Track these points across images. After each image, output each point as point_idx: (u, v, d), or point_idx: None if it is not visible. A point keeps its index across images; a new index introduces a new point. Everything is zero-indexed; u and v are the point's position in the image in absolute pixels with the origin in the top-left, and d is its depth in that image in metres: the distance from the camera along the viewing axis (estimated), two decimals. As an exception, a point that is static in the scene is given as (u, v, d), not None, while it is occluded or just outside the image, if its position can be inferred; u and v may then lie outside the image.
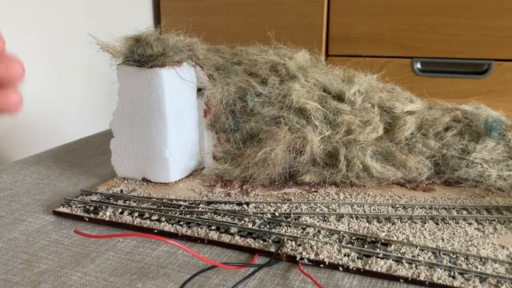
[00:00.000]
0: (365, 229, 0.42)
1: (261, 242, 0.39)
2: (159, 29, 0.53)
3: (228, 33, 1.17)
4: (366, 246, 0.38)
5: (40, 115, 0.96)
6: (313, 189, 0.50)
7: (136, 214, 0.45)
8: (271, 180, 0.51)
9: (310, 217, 0.44)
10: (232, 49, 0.61)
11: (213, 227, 0.42)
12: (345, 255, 0.37)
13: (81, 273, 0.36)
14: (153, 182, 0.52)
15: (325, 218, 0.44)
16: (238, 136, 0.54)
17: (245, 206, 0.46)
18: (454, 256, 0.37)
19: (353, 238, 0.40)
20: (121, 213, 0.45)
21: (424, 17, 1.03)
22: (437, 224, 0.43)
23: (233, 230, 0.41)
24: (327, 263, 0.36)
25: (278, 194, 0.49)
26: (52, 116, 0.99)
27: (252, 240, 0.40)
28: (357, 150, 0.51)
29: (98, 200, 0.48)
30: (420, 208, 0.46)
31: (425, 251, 0.38)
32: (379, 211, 0.45)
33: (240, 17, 1.18)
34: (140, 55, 0.49)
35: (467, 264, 0.36)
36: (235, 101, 0.54)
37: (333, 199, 0.48)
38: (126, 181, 0.53)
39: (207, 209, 0.45)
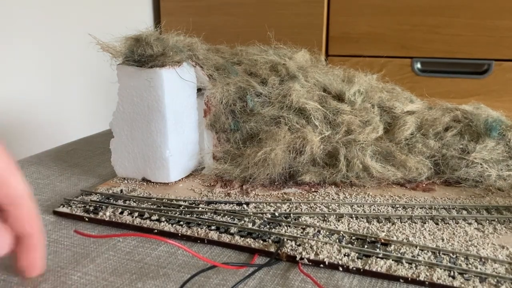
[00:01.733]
0: (365, 229, 0.42)
1: (261, 242, 0.39)
2: (159, 29, 0.53)
3: (228, 33, 1.17)
4: (366, 246, 0.38)
5: (40, 115, 0.97)
6: (313, 189, 0.50)
7: (136, 214, 0.45)
8: (271, 180, 0.51)
9: (310, 217, 0.44)
10: (232, 49, 0.61)
11: (213, 227, 0.42)
12: (345, 255, 0.37)
13: (81, 273, 0.36)
14: (153, 182, 0.52)
15: (325, 218, 0.44)
16: (238, 136, 0.54)
17: (245, 206, 0.46)
18: (454, 256, 0.37)
19: (353, 238, 0.40)
20: (121, 213, 0.45)
21: (424, 17, 1.03)
22: (437, 224, 0.43)
23: (233, 230, 0.41)
24: (327, 263, 0.36)
25: (278, 194, 0.49)
26: (52, 116, 1.00)
27: (252, 240, 0.40)
28: (357, 150, 0.51)
29: (98, 200, 0.48)
30: (420, 208, 0.46)
31: (425, 251, 0.38)
32: (379, 211, 0.45)
33: (240, 17, 1.18)
34: (140, 55, 0.49)
35: (467, 264, 0.36)
36: (235, 101, 0.54)
37: (333, 199, 0.48)
38: (126, 181, 0.53)
39: (207, 209, 0.45)
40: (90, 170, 0.59)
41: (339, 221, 0.43)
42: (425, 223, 0.43)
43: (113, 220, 0.44)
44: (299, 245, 0.39)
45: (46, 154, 0.65)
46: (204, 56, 0.54)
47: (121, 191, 0.50)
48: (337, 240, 0.39)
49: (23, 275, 0.34)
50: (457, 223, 0.43)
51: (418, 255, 0.37)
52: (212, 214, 0.44)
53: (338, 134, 0.53)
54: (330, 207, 0.46)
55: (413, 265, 0.36)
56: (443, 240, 0.40)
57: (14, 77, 0.91)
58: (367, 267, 0.36)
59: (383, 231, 0.41)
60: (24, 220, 0.32)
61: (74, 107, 1.06)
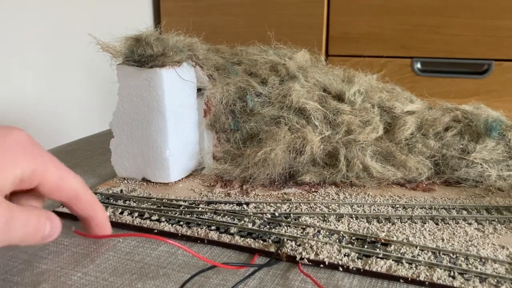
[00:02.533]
0: (365, 229, 0.42)
1: (261, 242, 0.39)
2: (159, 29, 0.53)
3: (228, 33, 1.17)
4: (366, 246, 0.38)
5: (40, 115, 0.97)
6: (313, 189, 0.50)
7: (136, 214, 0.45)
8: (271, 180, 0.51)
9: (310, 217, 0.44)
10: (232, 49, 0.61)
11: (213, 227, 0.42)
12: (345, 255, 0.37)
13: (81, 273, 0.36)
14: (153, 182, 0.52)
15: (325, 218, 0.44)
16: (238, 136, 0.54)
17: (245, 206, 0.46)
18: (454, 256, 0.37)
19: (353, 238, 0.40)
20: (121, 213, 0.45)
21: (424, 17, 1.03)
22: (437, 224, 0.43)
23: (233, 230, 0.41)
24: (327, 263, 0.36)
25: (278, 194, 0.49)
26: (52, 116, 1.00)
27: (252, 240, 0.40)
28: (357, 150, 0.51)
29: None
30: (420, 208, 0.46)
31: (425, 251, 0.38)
32: (379, 211, 0.45)
33: (240, 17, 1.18)
34: (140, 55, 0.49)
35: (467, 264, 0.36)
36: (235, 101, 0.54)
37: (333, 199, 0.48)
38: (126, 181, 0.53)
39: (207, 209, 0.45)
40: (90, 170, 0.59)
41: (339, 221, 0.43)
42: (425, 223, 0.43)
43: (113, 220, 0.44)
44: (299, 245, 0.39)
45: (46, 154, 0.65)
46: (204, 56, 0.54)
47: (121, 191, 0.50)
48: (337, 240, 0.39)
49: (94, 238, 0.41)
50: (457, 223, 0.43)
51: (418, 255, 0.37)
52: (212, 214, 0.44)
53: (338, 134, 0.53)
54: (330, 207, 0.46)
55: (413, 265, 0.36)
56: (443, 240, 0.40)
57: (14, 77, 0.91)
58: (367, 267, 0.36)
59: (383, 231, 0.41)
60: (85, 206, 0.38)
61: (74, 107, 1.06)
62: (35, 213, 0.34)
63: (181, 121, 0.52)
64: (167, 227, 0.42)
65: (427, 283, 0.34)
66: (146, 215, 0.44)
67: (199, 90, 0.55)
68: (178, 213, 0.45)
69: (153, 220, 0.44)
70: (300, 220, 0.43)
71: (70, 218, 0.46)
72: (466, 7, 1.00)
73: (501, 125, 0.54)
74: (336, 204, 0.46)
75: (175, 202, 0.47)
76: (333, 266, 0.36)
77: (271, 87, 0.55)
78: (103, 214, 0.39)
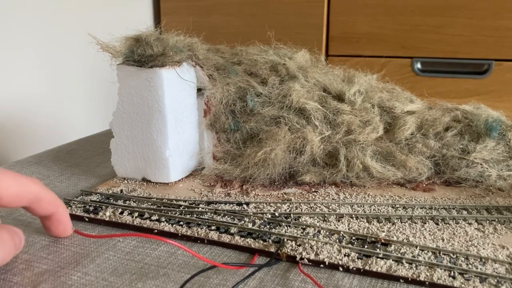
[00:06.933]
0: (365, 229, 0.42)
1: (261, 242, 0.39)
2: (159, 29, 0.53)
3: (228, 33, 1.17)
4: (366, 246, 0.38)
5: (40, 115, 0.97)
6: (313, 189, 0.50)
7: (136, 214, 0.45)
8: (271, 180, 0.51)
9: (310, 217, 0.44)
10: (232, 49, 0.61)
11: (213, 227, 0.42)
12: (345, 255, 0.37)
13: (81, 273, 0.36)
14: (153, 182, 0.52)
15: (325, 218, 0.44)
16: (238, 136, 0.54)
17: (245, 206, 0.46)
18: (454, 256, 0.37)
19: (353, 238, 0.40)
20: (121, 213, 0.45)
21: (424, 17, 1.03)
22: (437, 224, 0.43)
23: (233, 230, 0.41)
24: (327, 263, 0.36)
25: (278, 194, 0.49)
26: (52, 116, 1.00)
27: (252, 240, 0.40)
28: (357, 150, 0.51)
29: (98, 200, 0.48)
30: (420, 208, 0.46)
31: (425, 251, 0.38)
32: (379, 211, 0.45)
33: (240, 17, 1.18)
34: (140, 55, 0.49)
35: (467, 264, 0.36)
36: (235, 101, 0.54)
37: (333, 199, 0.48)
38: (126, 181, 0.53)
39: (207, 209, 0.45)
40: (90, 170, 0.59)
41: (339, 221, 0.43)
42: (425, 223, 0.43)
43: (113, 220, 0.44)
44: (299, 245, 0.39)
45: (46, 154, 0.65)
46: (204, 56, 0.54)
47: (121, 191, 0.50)
48: (337, 240, 0.39)
49: (57, 237, 0.42)
50: (457, 223, 0.43)
51: (418, 255, 0.37)
52: (212, 214, 0.44)
53: (338, 134, 0.53)
54: (330, 207, 0.46)
55: (413, 265, 0.36)
56: (443, 240, 0.40)
57: (14, 77, 0.91)
58: (367, 267, 0.36)
59: (383, 231, 0.41)
60: (47, 205, 0.38)
61: (74, 107, 1.06)
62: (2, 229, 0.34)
63: (181, 121, 0.52)
64: (167, 227, 0.42)
65: (427, 283, 0.34)
66: (146, 215, 0.44)
67: (199, 90, 0.55)
68: (178, 213, 0.45)
69: (153, 220, 0.44)
70: (300, 220, 0.43)
71: (70, 218, 0.46)
72: (466, 7, 1.00)
73: (501, 125, 0.54)
74: (336, 204, 0.46)
75: (175, 202, 0.47)
76: (333, 266, 0.36)
77: (271, 87, 0.55)
78: (64, 209, 0.40)
